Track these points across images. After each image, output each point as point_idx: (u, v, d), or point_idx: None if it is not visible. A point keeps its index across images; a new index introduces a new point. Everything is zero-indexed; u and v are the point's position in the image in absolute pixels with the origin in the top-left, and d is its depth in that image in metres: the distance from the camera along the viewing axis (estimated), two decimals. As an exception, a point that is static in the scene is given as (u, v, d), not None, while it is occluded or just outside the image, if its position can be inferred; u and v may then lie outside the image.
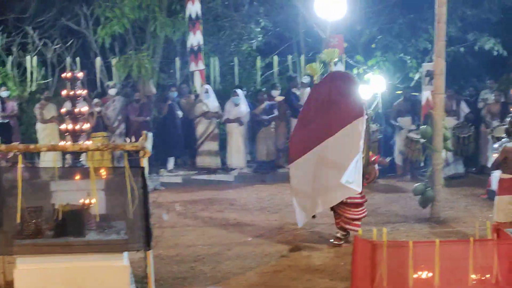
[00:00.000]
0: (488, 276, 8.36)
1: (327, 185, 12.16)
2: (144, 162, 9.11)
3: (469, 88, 21.10)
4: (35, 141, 18.29)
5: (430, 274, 8.27)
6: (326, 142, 12.27)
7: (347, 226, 12.50)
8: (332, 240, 12.63)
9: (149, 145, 9.38)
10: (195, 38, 20.26)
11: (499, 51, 21.92)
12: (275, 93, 19.86)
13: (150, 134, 10.09)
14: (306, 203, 12.61)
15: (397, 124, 18.74)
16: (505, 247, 8.47)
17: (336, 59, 13.68)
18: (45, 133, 18.43)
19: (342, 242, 12.50)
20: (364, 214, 12.69)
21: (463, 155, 18.54)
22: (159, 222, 12.61)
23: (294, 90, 19.74)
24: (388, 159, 13.20)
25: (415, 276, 8.23)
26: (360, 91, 12.58)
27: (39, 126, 18.56)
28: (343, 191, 12.00)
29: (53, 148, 9.61)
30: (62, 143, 11.94)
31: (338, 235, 12.58)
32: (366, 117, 12.10)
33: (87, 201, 9.32)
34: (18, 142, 15.10)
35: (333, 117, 12.36)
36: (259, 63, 22.03)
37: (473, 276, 8.32)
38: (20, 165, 8.83)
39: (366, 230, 11.83)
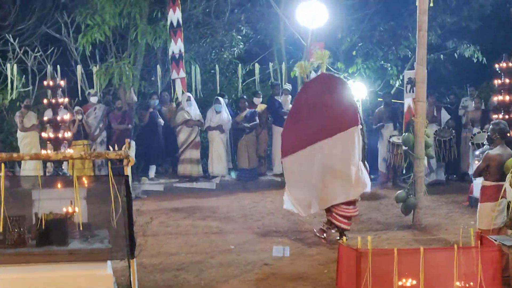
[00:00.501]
0: (472, 283, 8.41)
1: (325, 188, 12.71)
2: (128, 171, 9.09)
3: (449, 95, 21.18)
4: (15, 149, 18.19)
5: (415, 282, 8.30)
6: (322, 142, 12.79)
7: (337, 223, 12.69)
8: (315, 230, 12.78)
9: (132, 153, 9.36)
10: (176, 46, 20.23)
11: (479, 58, 22.07)
12: (257, 100, 19.91)
13: (133, 143, 10.08)
14: (301, 198, 12.99)
15: (378, 125, 18.72)
16: (489, 254, 8.53)
17: (326, 61, 13.84)
18: (25, 141, 18.30)
19: (324, 236, 12.69)
20: (355, 213, 13.07)
21: (445, 160, 18.57)
22: (142, 230, 12.56)
23: (276, 97, 19.75)
24: None
25: (400, 283, 8.25)
26: (353, 97, 12.88)
27: (19, 134, 18.44)
28: (343, 195, 12.66)
29: (36, 157, 9.57)
30: (44, 151, 11.88)
31: (324, 227, 12.74)
32: (361, 126, 12.41)
33: (70, 210, 9.28)
34: (-1, 151, 15.07)
35: (328, 119, 12.84)
36: (240, 70, 22.02)
37: (458, 284, 8.36)
38: (3, 174, 8.78)
39: (350, 237, 11.88)
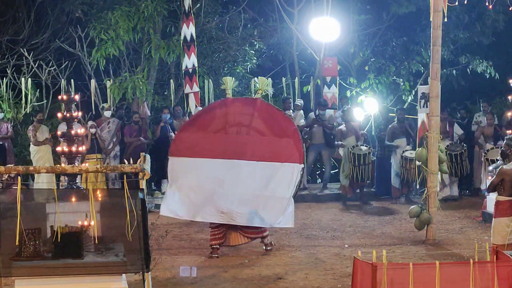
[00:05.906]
0: (487, 298, 8.39)
1: (242, 205, 12.97)
2: (143, 184, 9.12)
3: (459, 110, 21.08)
4: (28, 163, 18.25)
5: (430, 296, 8.28)
6: (243, 162, 13.16)
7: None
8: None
9: (147, 167, 9.39)
10: (190, 60, 20.27)
11: (492, 73, 22.08)
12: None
13: (148, 156, 10.10)
14: (195, 202, 13.12)
15: (392, 143, 18.57)
16: (504, 269, 8.50)
17: (265, 91, 14.20)
18: (38, 155, 18.33)
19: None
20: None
21: (457, 175, 18.38)
22: (157, 244, 12.55)
23: (287, 112, 19.72)
24: None
25: (415, 298, 8.23)
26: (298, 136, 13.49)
27: (32, 148, 18.48)
28: (268, 219, 13.14)
29: (52, 170, 9.62)
30: (59, 165, 11.93)
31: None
32: (302, 166, 13.14)
33: (85, 223, 9.32)
34: (12, 164, 15.13)
35: (256, 144, 13.33)
36: (253, 85, 22.06)
37: (473, 298, 8.34)
38: (19, 187, 8.83)
39: (364, 252, 11.85)
